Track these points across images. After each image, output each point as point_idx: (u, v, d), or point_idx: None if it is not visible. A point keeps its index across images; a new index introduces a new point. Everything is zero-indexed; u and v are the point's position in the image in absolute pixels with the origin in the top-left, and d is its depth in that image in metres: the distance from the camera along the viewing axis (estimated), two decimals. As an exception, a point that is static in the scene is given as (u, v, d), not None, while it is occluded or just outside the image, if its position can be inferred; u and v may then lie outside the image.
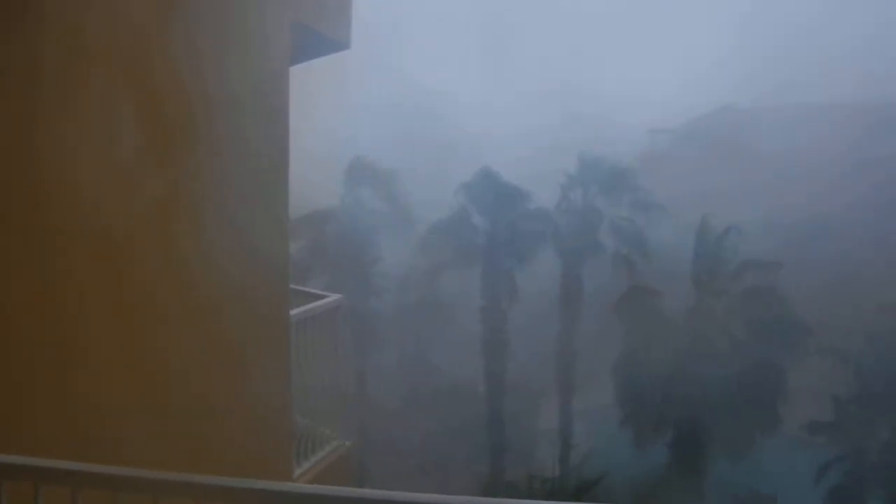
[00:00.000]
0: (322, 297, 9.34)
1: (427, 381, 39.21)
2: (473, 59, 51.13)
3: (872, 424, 29.78)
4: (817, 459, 29.94)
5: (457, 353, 38.30)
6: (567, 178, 39.21)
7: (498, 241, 38.35)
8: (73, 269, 5.07)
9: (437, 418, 36.97)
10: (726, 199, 39.50)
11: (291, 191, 7.47)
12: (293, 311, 7.92)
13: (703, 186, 42.31)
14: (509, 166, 38.66)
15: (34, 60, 4.77)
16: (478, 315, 38.01)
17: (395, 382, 39.47)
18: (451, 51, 49.05)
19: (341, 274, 34.85)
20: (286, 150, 7.29)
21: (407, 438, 37.55)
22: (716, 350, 30.54)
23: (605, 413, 33.43)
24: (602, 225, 38.32)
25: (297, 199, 7.84)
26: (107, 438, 5.03)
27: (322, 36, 8.04)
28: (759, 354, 31.06)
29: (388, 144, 40.17)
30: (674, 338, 31.55)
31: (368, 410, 35.24)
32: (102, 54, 5.31)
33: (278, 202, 7.34)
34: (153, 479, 3.41)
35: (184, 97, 5.97)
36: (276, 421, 7.21)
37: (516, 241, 37.89)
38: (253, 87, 6.85)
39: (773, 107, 48.41)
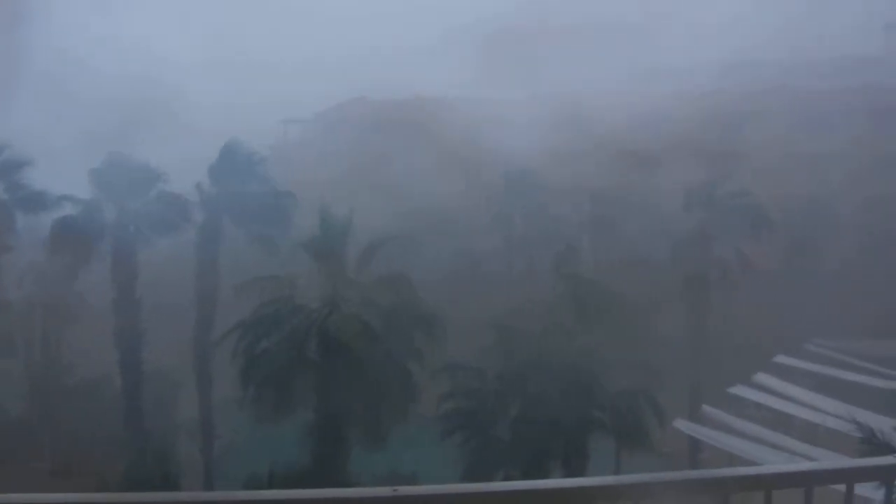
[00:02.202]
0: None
1: (59, 379, 37.17)
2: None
3: (505, 405, 31.23)
4: (453, 440, 31.18)
5: (91, 347, 36.57)
6: (203, 164, 38.51)
7: (128, 228, 36.98)
8: None
9: (70, 418, 35.12)
10: (355, 187, 40.32)
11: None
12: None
13: (333, 175, 42.88)
14: (140, 151, 37.43)
15: None
16: (110, 307, 36.40)
17: (23, 384, 37.15)
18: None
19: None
20: None
21: (36, 442, 35.46)
22: (351, 336, 30.86)
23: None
24: (236, 212, 37.91)
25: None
26: None
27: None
28: (392, 340, 31.72)
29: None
30: (309, 325, 31.55)
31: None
32: None
33: None
34: None
35: None
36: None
37: (149, 228, 36.73)
38: None
39: (400, 99, 49.96)
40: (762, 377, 39.79)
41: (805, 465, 4.69)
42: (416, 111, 49.45)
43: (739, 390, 39.32)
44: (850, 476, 4.46)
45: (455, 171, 45.48)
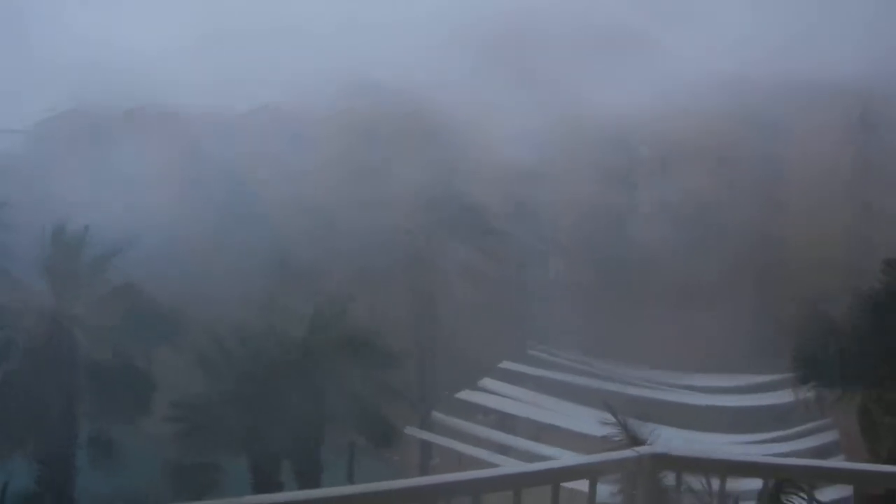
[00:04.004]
0: None
1: None
2: None
3: (236, 416, 30.52)
4: (181, 452, 30.13)
5: None
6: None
7: None
8: None
9: None
10: (82, 202, 38.66)
11: None
12: None
13: (59, 189, 41.00)
14: None
15: None
16: None
17: None
18: None
19: None
20: None
21: None
22: (78, 353, 29.62)
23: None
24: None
25: None
26: None
27: None
28: (122, 354, 30.76)
29: None
30: (43, 343, 29.91)
31: None
32: None
33: None
34: None
35: None
36: None
37: None
38: None
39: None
40: (488, 382, 41.02)
41: (551, 464, 4.79)
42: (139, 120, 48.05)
43: (467, 395, 40.35)
44: (595, 471, 4.58)
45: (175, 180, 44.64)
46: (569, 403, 37.92)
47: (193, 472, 29.43)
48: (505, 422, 39.30)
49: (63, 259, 31.39)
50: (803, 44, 41.91)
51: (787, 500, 11.96)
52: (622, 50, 45.76)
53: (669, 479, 4.81)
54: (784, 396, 37.24)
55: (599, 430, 33.93)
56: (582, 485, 4.56)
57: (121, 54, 44.87)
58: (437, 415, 39.26)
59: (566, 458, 22.45)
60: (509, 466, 4.89)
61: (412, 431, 38.03)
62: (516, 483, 4.37)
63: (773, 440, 34.68)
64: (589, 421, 35.98)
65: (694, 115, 43.34)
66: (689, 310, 43.40)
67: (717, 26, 44.15)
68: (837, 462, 12.02)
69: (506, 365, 41.91)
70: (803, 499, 6.11)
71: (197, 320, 32.38)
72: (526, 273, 47.90)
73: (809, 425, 35.00)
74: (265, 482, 29.28)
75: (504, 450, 35.18)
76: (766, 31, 43.14)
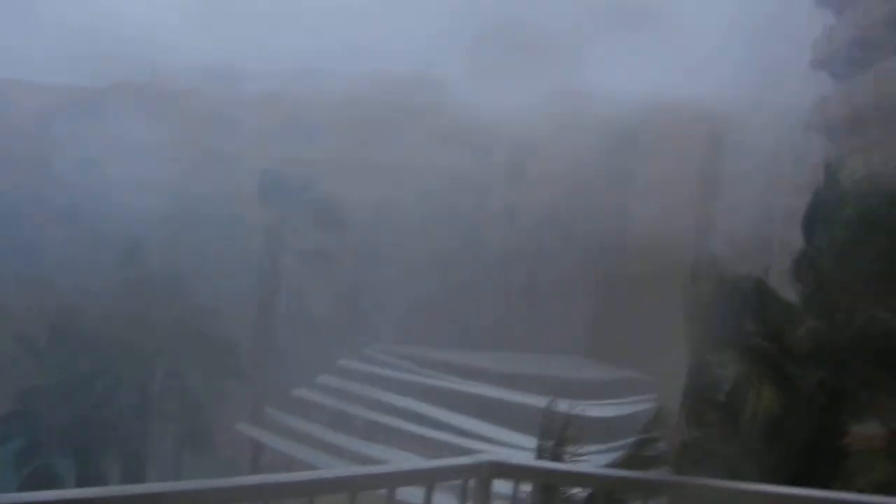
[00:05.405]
0: None
1: None
2: None
3: (56, 408, 29.40)
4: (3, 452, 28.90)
5: None
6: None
7: None
8: None
9: None
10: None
11: None
12: None
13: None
14: None
15: None
16: None
17: None
18: None
19: None
20: None
21: None
22: None
23: None
24: None
25: None
26: None
27: None
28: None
29: None
30: None
31: None
32: None
33: None
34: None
35: None
36: None
37: None
38: None
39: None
40: (326, 379, 40.70)
41: (388, 468, 4.72)
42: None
43: (303, 393, 39.93)
44: (432, 476, 4.52)
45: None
46: (407, 401, 37.96)
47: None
48: (341, 420, 39.04)
49: None
50: (660, 64, 42.81)
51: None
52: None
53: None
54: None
55: (435, 433, 34.46)
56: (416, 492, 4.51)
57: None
58: (272, 411, 38.69)
59: (404, 461, 22.37)
60: (345, 468, 4.78)
61: (244, 428, 37.43)
62: (351, 486, 4.28)
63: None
64: (427, 421, 36.32)
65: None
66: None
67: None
68: (663, 475, 12.32)
69: (344, 363, 41.65)
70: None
71: (22, 307, 31.31)
72: (368, 272, 47.63)
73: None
74: (88, 477, 28.35)
75: (339, 451, 34.90)
76: (630, 52, 43.88)
